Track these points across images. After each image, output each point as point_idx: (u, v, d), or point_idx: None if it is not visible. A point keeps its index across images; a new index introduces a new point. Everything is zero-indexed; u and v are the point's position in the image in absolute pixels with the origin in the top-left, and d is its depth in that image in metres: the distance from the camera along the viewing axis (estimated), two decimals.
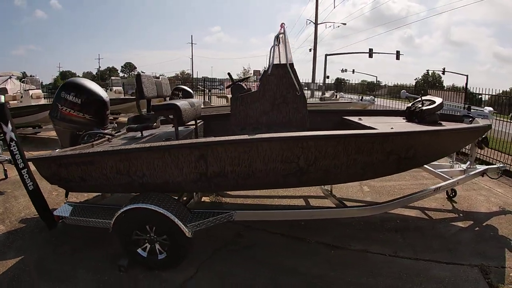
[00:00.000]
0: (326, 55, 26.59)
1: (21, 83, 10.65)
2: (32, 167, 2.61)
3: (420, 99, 3.53)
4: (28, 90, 9.59)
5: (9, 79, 10.74)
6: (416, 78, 49.44)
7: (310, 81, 21.97)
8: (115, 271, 2.47)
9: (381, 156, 2.45)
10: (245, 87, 3.31)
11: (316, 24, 25.14)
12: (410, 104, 3.63)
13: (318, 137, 2.28)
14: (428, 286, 2.29)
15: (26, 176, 2.47)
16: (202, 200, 3.75)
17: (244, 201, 3.79)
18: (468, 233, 3.09)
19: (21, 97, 9.25)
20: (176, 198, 2.73)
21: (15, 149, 2.42)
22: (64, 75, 57.69)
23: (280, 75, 2.82)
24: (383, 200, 3.25)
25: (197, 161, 2.34)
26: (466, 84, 20.98)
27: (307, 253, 2.71)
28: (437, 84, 40.88)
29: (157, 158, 2.36)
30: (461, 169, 3.79)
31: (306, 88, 24.36)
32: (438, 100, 3.37)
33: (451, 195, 3.83)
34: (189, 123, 3.38)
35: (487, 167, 3.70)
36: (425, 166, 3.67)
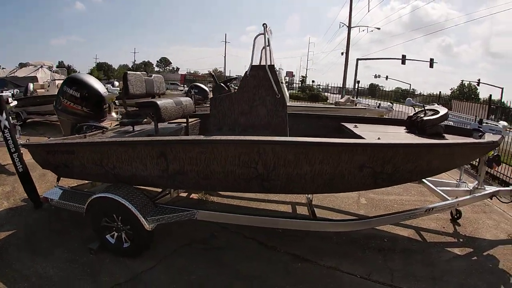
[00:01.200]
0: (358, 59, 25.44)
1: (51, 73, 11.59)
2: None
3: (423, 108, 3.27)
4: (55, 80, 10.18)
5: (40, 68, 11.86)
6: (452, 88, 47.10)
7: (341, 85, 21.28)
8: (86, 253, 2.67)
9: (351, 168, 2.31)
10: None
11: (349, 27, 24.20)
12: (412, 114, 3.38)
13: (275, 142, 2.22)
14: None
15: (17, 160, 2.78)
16: (191, 197, 3.87)
17: (232, 202, 3.82)
18: (463, 262, 2.78)
19: (48, 86, 9.97)
20: (143, 192, 2.82)
21: (8, 135, 2.73)
22: (100, 66, 61.15)
23: (259, 76, 2.82)
24: (371, 215, 3.09)
25: (158, 158, 2.43)
26: (501, 97, 18.97)
27: (273, 263, 2.66)
28: (472, 96, 37.60)
29: (124, 152, 2.50)
30: (467, 189, 3.41)
31: (336, 92, 23.67)
32: (443, 111, 3.11)
33: (456, 216, 3.46)
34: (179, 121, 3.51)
35: (497, 189, 3.29)
36: (425, 181, 3.39)
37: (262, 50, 2.82)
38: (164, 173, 2.48)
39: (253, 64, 2.82)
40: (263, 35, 2.74)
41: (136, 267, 2.51)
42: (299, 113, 4.29)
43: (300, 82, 27.91)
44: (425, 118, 3.11)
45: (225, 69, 49.49)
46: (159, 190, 3.04)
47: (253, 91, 2.84)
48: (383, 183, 2.51)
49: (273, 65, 2.84)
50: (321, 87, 25.89)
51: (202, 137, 2.42)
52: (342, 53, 25.78)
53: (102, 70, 52.47)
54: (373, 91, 26.95)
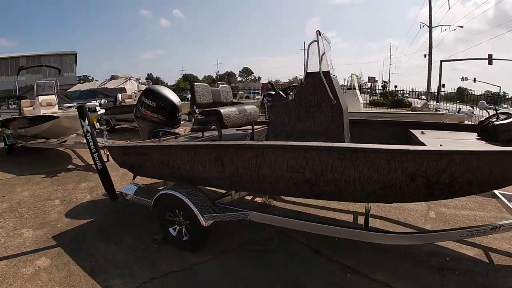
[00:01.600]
0: (441, 61, 23.07)
1: (138, 84, 13.36)
2: None
3: (495, 112, 2.88)
4: (141, 90, 11.53)
5: (128, 81, 13.74)
6: None
7: (425, 89, 19.41)
8: (151, 243, 3.04)
9: (402, 177, 2.19)
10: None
11: (430, 27, 22.04)
12: (483, 119, 3.00)
13: (320, 148, 2.24)
14: None
15: (97, 159, 3.31)
16: (255, 200, 4.07)
17: (293, 208, 3.88)
18: None
19: (135, 96, 11.37)
20: (202, 191, 3.07)
21: (89, 138, 3.28)
22: (186, 77, 67.11)
23: (314, 83, 2.87)
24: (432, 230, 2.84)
25: (216, 161, 2.65)
26: None
27: (322, 270, 2.64)
28: None
29: (186, 155, 2.80)
30: None
31: (423, 97, 21.54)
32: None
33: None
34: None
35: None
36: (499, 195, 2.94)
37: (313, 56, 2.87)
38: (221, 174, 2.70)
39: (308, 71, 2.88)
40: (316, 42, 2.79)
41: (192, 260, 2.76)
42: (367, 119, 4.20)
43: (381, 88, 26.47)
44: (496, 122, 2.74)
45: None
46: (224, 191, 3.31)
47: (309, 98, 2.91)
48: (441, 194, 2.29)
49: (328, 71, 2.86)
50: (405, 92, 24.16)
51: (253, 142, 2.57)
52: (425, 55, 23.95)
53: (188, 81, 57.68)
54: (461, 95, 24.12)
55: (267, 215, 2.78)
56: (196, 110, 3.45)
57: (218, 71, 74.79)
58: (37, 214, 3.89)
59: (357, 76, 9.76)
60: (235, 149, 2.53)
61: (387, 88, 24.21)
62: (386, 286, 2.42)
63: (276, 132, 3.08)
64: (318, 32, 2.81)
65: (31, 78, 19.76)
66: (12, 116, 7.29)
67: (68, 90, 15.60)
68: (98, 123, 6.91)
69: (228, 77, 78.66)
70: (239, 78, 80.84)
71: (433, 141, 2.77)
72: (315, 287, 2.42)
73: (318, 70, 2.82)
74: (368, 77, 34.98)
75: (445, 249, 2.87)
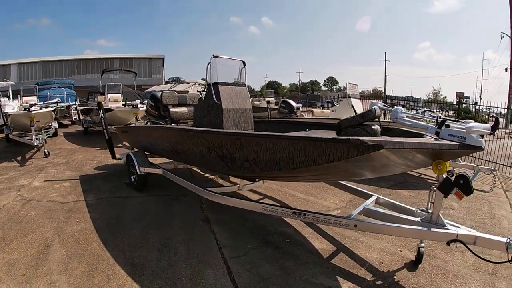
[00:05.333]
0: None
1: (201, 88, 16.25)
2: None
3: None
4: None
5: (193, 85, 16.87)
6: None
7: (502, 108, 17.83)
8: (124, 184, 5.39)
9: (203, 149, 3.55)
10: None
11: None
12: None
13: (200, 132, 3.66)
14: None
15: (105, 133, 5.82)
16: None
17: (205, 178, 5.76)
18: None
19: (194, 98, 14.42)
20: (146, 155, 5.20)
21: (102, 120, 5.80)
22: (271, 85, 71.50)
23: (209, 91, 4.53)
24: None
25: (157, 138, 4.84)
26: None
27: (187, 207, 4.49)
28: None
29: (144, 133, 5.09)
30: (413, 218, 2.89)
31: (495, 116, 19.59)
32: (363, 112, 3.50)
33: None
34: None
35: (464, 232, 2.58)
36: (385, 199, 3.55)
37: (209, 72, 4.38)
38: (162, 147, 4.71)
39: (208, 82, 4.53)
40: (210, 63, 4.35)
41: (134, 194, 4.89)
42: (279, 119, 5.79)
43: (457, 103, 24.80)
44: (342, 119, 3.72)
45: (385, 88, 48.96)
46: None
47: (207, 101, 4.57)
48: (232, 170, 3.41)
49: (217, 82, 4.43)
50: (483, 108, 22.45)
51: (178, 127, 4.54)
52: (506, 69, 21.64)
53: (272, 88, 61.94)
54: None
55: (174, 175, 4.48)
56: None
57: (299, 80, 77.52)
58: (79, 166, 6.73)
59: (352, 84, 10.77)
60: (168, 130, 4.46)
61: (461, 105, 22.64)
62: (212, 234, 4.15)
63: (196, 124, 4.96)
64: (213, 55, 4.36)
65: (124, 76, 25.41)
66: (91, 107, 10.88)
67: (146, 90, 19.85)
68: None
69: (312, 85, 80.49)
70: (323, 88, 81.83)
71: (298, 133, 3.87)
72: (180, 215, 4.28)
73: (209, 82, 4.39)
74: (457, 92, 32.51)
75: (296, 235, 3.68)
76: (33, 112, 7.32)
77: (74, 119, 11.81)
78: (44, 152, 7.62)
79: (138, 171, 4.87)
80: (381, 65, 52.97)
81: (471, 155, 8.24)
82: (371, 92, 52.93)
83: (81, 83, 32.98)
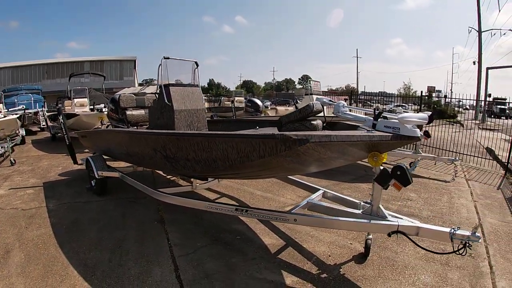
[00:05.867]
0: (487, 68, 22.14)
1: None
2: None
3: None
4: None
5: None
6: None
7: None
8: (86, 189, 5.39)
9: (149, 151, 3.70)
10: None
11: (479, 32, 21.10)
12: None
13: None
14: None
15: (66, 138, 5.81)
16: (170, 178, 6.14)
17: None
18: None
19: None
20: (104, 159, 5.32)
21: (63, 126, 5.78)
22: (246, 84, 71.92)
23: (161, 92, 4.59)
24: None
25: (112, 141, 4.89)
26: None
27: (142, 208, 4.58)
28: None
29: (100, 137, 5.12)
30: (353, 211, 3.02)
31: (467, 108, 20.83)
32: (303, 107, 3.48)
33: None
34: None
35: (405, 223, 2.66)
36: (329, 191, 3.69)
37: (160, 74, 4.45)
38: (118, 150, 4.84)
39: (160, 84, 4.62)
40: (161, 65, 4.45)
41: (94, 199, 5.03)
42: (238, 119, 5.89)
43: (426, 97, 25.73)
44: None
45: (357, 84, 50.30)
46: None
47: (160, 103, 4.67)
48: (175, 168, 3.56)
49: (168, 84, 4.57)
50: (453, 101, 23.53)
51: (132, 130, 4.64)
52: (474, 63, 22.80)
53: (246, 87, 61.82)
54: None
55: (129, 177, 4.60)
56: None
57: (274, 78, 78.48)
58: (44, 173, 6.74)
59: (315, 81, 11.14)
60: (119, 134, 4.61)
61: (431, 98, 23.65)
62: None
63: (151, 126, 5.02)
64: (164, 57, 4.42)
65: (94, 80, 24.85)
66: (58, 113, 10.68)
67: (116, 94, 19.56)
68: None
69: (287, 84, 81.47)
70: (298, 86, 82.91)
71: (246, 131, 4.19)
72: (136, 217, 4.40)
73: (160, 84, 4.46)
74: (428, 86, 33.89)
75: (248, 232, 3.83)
76: None
77: (42, 125, 11.58)
78: (10, 160, 7.57)
79: (96, 175, 4.92)
80: (354, 62, 54.51)
81: (433, 146, 8.69)
82: (344, 89, 54.55)
83: (51, 88, 32.06)
